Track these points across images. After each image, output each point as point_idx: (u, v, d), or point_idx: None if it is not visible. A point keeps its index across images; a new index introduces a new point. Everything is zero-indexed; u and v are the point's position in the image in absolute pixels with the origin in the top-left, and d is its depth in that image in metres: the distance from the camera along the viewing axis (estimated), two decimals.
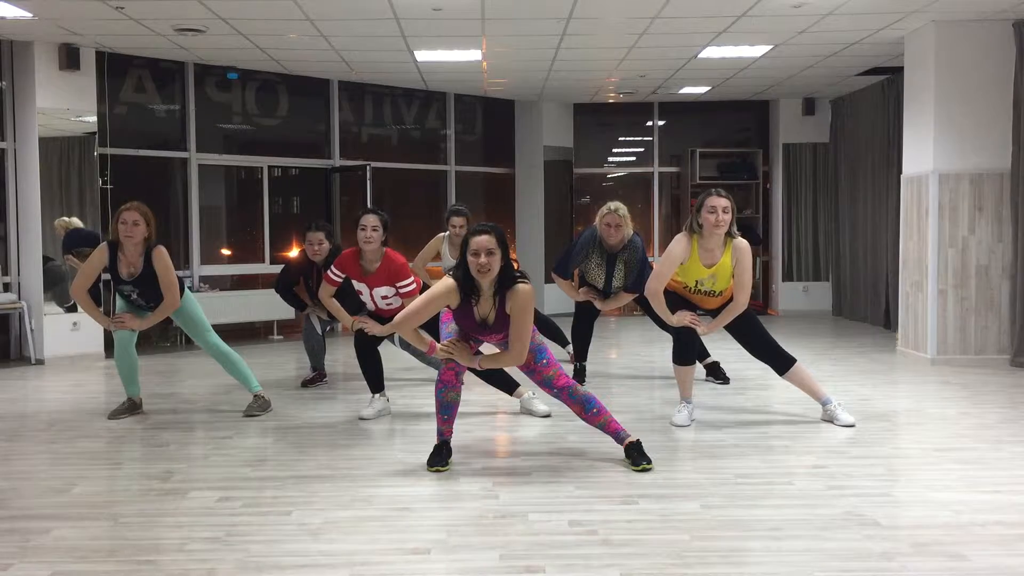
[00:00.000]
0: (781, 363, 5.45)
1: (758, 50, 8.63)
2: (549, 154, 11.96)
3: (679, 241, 5.32)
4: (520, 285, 4.32)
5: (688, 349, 5.48)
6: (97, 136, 8.48)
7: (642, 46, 8.40)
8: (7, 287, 8.30)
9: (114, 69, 8.73)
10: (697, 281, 5.37)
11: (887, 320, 9.84)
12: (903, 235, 8.17)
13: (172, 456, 4.88)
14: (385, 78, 10.35)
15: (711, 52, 8.68)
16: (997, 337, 7.64)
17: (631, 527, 3.65)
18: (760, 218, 12.22)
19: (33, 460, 4.91)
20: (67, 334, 8.29)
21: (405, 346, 6.49)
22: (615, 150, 12.95)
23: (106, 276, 7.39)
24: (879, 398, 6.28)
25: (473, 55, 8.77)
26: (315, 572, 3.23)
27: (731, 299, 5.38)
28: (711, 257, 5.29)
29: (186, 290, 5.80)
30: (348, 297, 5.93)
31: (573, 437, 5.13)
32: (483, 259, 4.25)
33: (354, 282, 5.74)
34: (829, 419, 5.43)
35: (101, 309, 6.05)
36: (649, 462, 4.45)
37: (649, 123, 12.36)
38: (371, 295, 5.73)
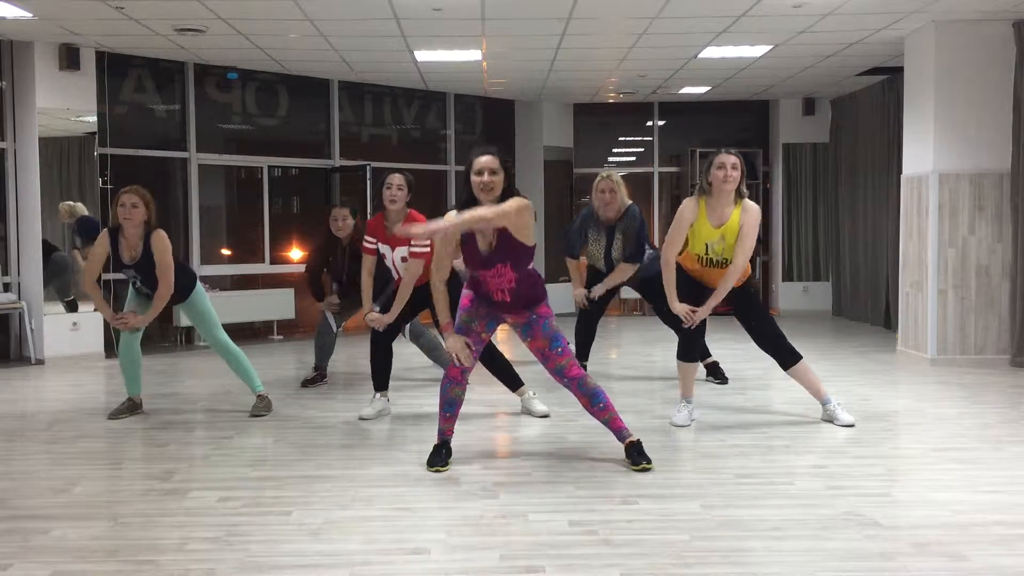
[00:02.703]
0: (787, 358, 5.42)
1: (758, 50, 8.63)
2: (549, 154, 11.96)
3: (686, 203, 5.28)
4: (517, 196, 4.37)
5: (693, 345, 5.46)
6: (97, 136, 8.48)
7: (642, 46, 8.40)
8: (7, 287, 8.30)
9: (114, 69, 8.73)
10: (707, 246, 5.24)
11: (887, 320, 9.83)
12: (903, 235, 8.17)
13: (172, 456, 4.88)
14: (385, 78, 10.35)
15: (711, 52, 8.67)
16: (997, 337, 7.64)
17: (631, 527, 3.65)
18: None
19: (33, 460, 4.91)
20: (67, 334, 8.29)
21: (415, 338, 6.53)
22: (615, 150, 12.96)
23: (107, 276, 7.39)
24: (879, 398, 6.28)
25: (473, 55, 8.76)
26: (315, 572, 3.23)
27: (747, 279, 5.34)
28: (719, 218, 5.21)
29: (197, 283, 5.80)
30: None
31: (573, 437, 5.13)
32: (487, 177, 4.31)
33: (380, 246, 5.70)
34: (829, 419, 5.43)
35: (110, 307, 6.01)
36: (649, 462, 4.44)
37: (649, 123, 12.36)
38: (392, 257, 5.68)
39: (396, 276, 5.75)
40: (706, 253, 5.30)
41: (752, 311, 5.45)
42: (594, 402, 4.55)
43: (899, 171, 8.47)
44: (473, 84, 10.66)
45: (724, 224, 5.21)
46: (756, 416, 5.70)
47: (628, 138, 12.89)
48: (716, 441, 5.06)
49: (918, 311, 7.89)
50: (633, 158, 12.76)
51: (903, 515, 3.85)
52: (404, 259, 5.66)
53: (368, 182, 10.21)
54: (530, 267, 4.53)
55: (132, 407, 5.86)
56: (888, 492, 4.18)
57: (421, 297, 5.54)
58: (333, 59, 9.00)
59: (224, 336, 5.84)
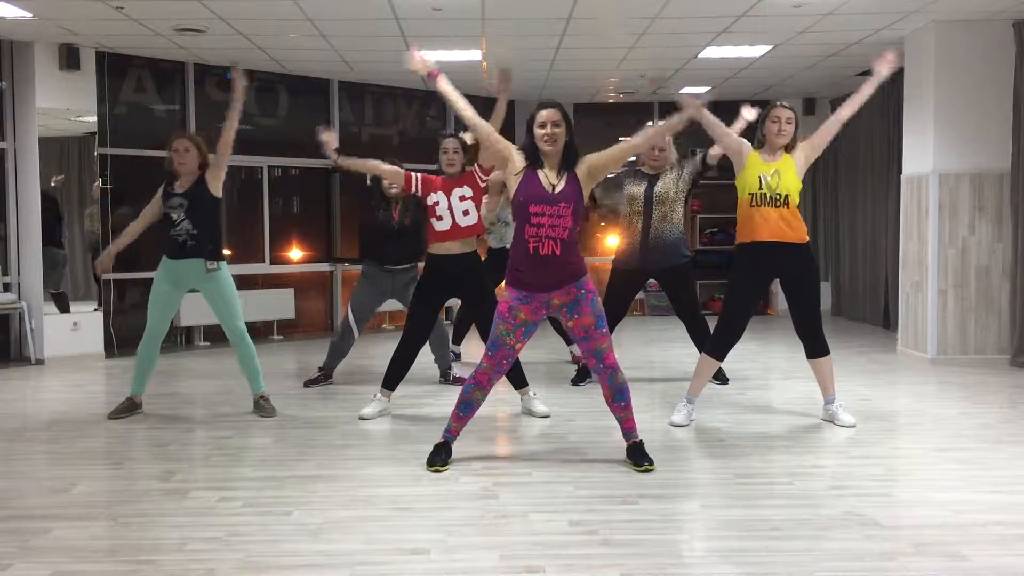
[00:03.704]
0: (817, 347, 5.37)
1: (758, 50, 8.63)
2: None
3: (745, 141, 5.36)
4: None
5: (727, 343, 5.39)
6: (97, 136, 8.48)
7: (642, 46, 8.40)
8: (7, 287, 8.30)
9: (114, 69, 8.72)
10: (760, 179, 5.18)
11: (887, 320, 9.83)
12: (903, 235, 8.17)
13: (172, 456, 4.88)
14: (385, 78, 10.35)
15: (711, 52, 8.67)
16: (997, 337, 7.64)
17: (631, 527, 3.65)
18: None
19: (33, 460, 4.91)
20: (67, 334, 8.29)
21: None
22: None
23: (107, 276, 7.37)
24: (879, 398, 6.28)
25: (473, 55, 8.77)
26: (315, 572, 3.23)
27: (801, 244, 5.24)
28: (773, 157, 5.26)
29: (224, 265, 5.74)
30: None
31: (573, 437, 5.13)
32: (550, 129, 4.39)
33: (431, 196, 5.60)
34: (829, 419, 5.43)
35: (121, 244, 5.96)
36: (652, 463, 4.44)
37: (649, 123, 12.34)
38: (449, 204, 5.57)
39: (451, 221, 5.57)
40: (759, 188, 5.19)
41: (805, 281, 5.30)
42: (616, 398, 4.54)
43: (899, 171, 8.47)
44: (473, 84, 10.65)
45: (778, 160, 5.22)
46: (756, 416, 5.70)
47: (628, 138, 12.86)
48: (716, 441, 5.06)
49: (918, 311, 7.89)
50: (633, 158, 12.71)
51: (903, 515, 3.85)
52: (463, 198, 5.57)
53: (368, 182, 10.17)
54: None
55: (131, 406, 5.85)
56: (888, 492, 4.18)
57: (449, 279, 5.61)
58: (333, 59, 9.01)
59: (243, 327, 5.81)
